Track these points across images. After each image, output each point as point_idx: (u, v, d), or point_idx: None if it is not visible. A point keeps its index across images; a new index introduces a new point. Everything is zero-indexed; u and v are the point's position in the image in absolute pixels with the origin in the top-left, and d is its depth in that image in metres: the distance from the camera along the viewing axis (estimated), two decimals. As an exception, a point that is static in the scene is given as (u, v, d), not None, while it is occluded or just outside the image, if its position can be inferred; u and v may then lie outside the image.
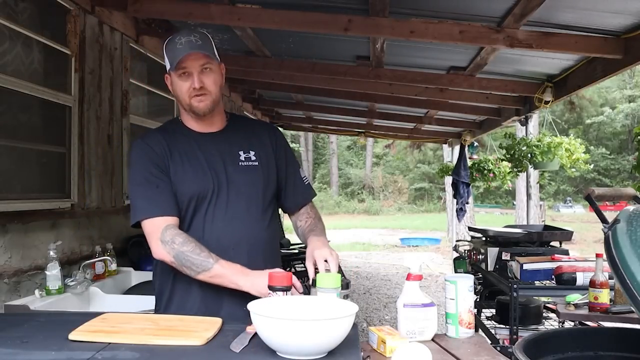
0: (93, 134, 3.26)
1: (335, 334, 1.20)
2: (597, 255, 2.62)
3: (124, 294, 2.89)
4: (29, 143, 2.75)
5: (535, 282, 3.19)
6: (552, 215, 21.71)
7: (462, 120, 7.10)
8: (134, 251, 3.48)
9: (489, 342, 1.64)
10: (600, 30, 3.11)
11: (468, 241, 4.89)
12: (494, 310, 3.58)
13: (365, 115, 7.36)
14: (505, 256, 3.75)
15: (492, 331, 3.35)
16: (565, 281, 3.02)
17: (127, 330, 1.35)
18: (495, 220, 19.45)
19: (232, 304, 1.65)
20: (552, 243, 4.15)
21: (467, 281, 1.57)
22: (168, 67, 1.71)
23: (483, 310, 3.90)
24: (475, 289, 2.72)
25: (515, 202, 14.49)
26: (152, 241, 1.62)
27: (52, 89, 2.86)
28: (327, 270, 1.58)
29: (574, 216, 22.19)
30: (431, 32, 3.16)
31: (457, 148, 8.08)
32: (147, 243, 1.65)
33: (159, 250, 1.61)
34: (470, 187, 7.44)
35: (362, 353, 1.30)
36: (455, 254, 5.01)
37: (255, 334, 1.29)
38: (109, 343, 1.27)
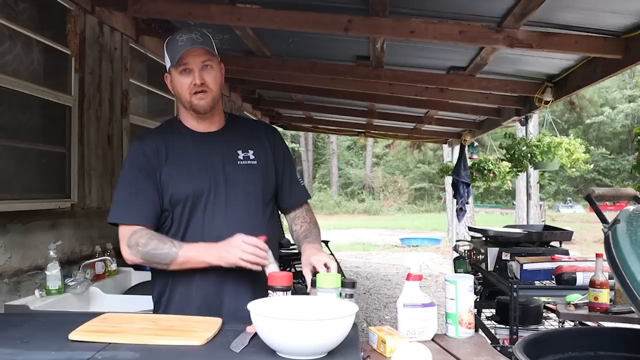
0: (93, 134, 3.26)
1: (335, 334, 1.20)
2: (597, 255, 2.62)
3: (124, 294, 2.89)
4: (29, 143, 2.75)
5: (535, 282, 3.19)
6: (552, 215, 21.72)
7: (462, 120, 7.10)
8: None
9: (489, 342, 1.64)
10: (600, 30, 3.11)
11: (468, 241, 4.89)
12: (494, 310, 3.58)
13: (365, 115, 7.36)
14: (505, 256, 3.75)
15: (492, 331, 3.36)
16: (565, 281, 3.02)
17: (127, 330, 1.35)
18: (495, 220, 19.46)
19: (232, 304, 1.65)
20: (552, 243, 4.15)
21: (467, 281, 1.57)
22: (168, 65, 1.72)
23: (483, 310, 3.90)
24: (475, 289, 2.72)
25: (515, 202, 14.50)
26: (121, 246, 1.68)
27: (52, 89, 2.86)
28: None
29: (574, 216, 22.20)
30: (431, 32, 3.16)
31: (457, 148, 8.08)
32: None
33: (127, 255, 1.66)
34: (470, 187, 7.44)
35: (362, 353, 1.30)
36: (455, 254, 5.02)
37: (255, 334, 1.29)
38: (109, 343, 1.27)
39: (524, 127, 5.56)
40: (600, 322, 2.70)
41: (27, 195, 2.68)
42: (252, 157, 1.77)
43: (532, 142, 4.80)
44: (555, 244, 4.14)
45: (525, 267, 3.20)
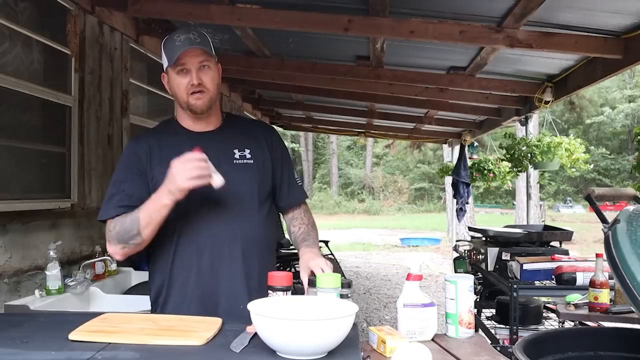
0: (93, 134, 3.26)
1: (335, 334, 1.20)
2: (597, 255, 2.62)
3: (124, 294, 2.89)
4: (29, 143, 2.75)
5: (535, 282, 3.19)
6: (552, 215, 21.72)
7: (462, 120, 7.10)
8: (134, 251, 3.48)
9: (489, 342, 1.64)
10: (600, 30, 3.11)
11: (468, 241, 4.89)
12: (494, 310, 3.58)
13: (365, 115, 7.36)
14: (505, 256, 3.76)
15: (492, 331, 3.36)
16: (565, 281, 3.02)
17: (127, 330, 1.35)
18: (495, 220, 19.46)
19: (229, 303, 1.66)
20: (552, 243, 4.15)
21: (467, 281, 1.57)
22: (165, 64, 1.72)
23: (483, 310, 3.90)
24: (475, 289, 2.72)
25: (515, 202, 14.50)
26: (106, 241, 1.72)
27: (52, 89, 2.86)
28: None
29: (574, 216, 22.20)
30: (431, 32, 3.16)
31: (457, 148, 8.08)
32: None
33: (109, 248, 1.71)
34: (470, 187, 7.44)
35: (362, 353, 1.30)
36: (455, 254, 5.02)
37: (255, 334, 1.29)
38: (109, 343, 1.27)
39: (524, 127, 5.56)
40: (600, 322, 2.70)
41: (27, 195, 2.68)
42: (248, 156, 1.77)
43: (532, 142, 4.80)
44: (555, 244, 4.14)
45: (525, 267, 3.20)
